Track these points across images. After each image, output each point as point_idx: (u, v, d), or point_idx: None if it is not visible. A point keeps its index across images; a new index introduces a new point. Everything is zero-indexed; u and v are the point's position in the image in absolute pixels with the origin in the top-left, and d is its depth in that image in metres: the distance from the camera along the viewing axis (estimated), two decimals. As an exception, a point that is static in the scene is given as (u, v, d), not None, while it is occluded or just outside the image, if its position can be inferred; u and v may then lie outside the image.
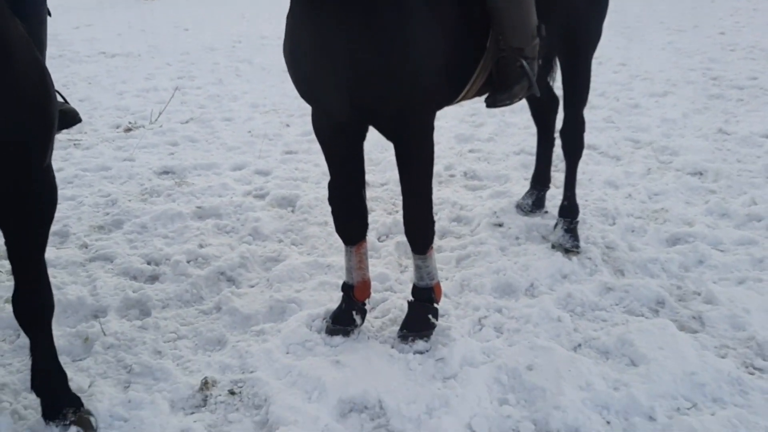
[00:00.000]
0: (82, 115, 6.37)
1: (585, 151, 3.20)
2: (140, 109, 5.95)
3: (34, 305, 1.86)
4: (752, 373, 2.18)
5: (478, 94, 2.51)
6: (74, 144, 5.01)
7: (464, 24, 2.22)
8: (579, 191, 3.56)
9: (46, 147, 1.70)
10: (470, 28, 2.25)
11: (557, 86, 3.20)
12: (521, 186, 3.80)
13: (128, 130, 5.40)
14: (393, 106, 2.10)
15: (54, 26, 12.15)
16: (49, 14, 2.23)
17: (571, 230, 3.09)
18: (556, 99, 3.38)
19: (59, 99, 2.26)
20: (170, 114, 5.79)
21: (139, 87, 6.94)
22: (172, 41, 10.15)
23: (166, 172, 4.32)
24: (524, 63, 2.34)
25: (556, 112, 3.41)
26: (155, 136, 5.14)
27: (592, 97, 5.68)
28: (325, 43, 2.01)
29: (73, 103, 6.68)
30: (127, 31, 11.53)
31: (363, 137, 2.40)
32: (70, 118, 2.23)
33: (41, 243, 1.85)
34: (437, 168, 4.15)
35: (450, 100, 2.43)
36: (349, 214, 2.44)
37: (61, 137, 5.20)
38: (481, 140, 4.76)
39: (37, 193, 1.78)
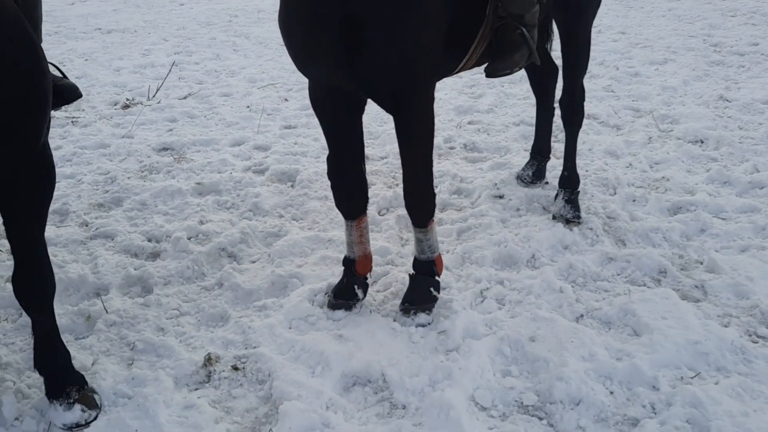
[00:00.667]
0: (85, 94, 6.31)
1: (585, 121, 3.17)
2: (138, 86, 5.89)
3: (35, 286, 1.85)
4: (756, 342, 2.18)
5: (477, 64, 2.47)
6: (72, 121, 4.97)
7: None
8: (579, 161, 3.54)
9: (40, 125, 1.67)
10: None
11: (556, 55, 3.16)
12: (521, 157, 3.77)
13: (126, 106, 5.35)
14: (392, 77, 2.06)
15: (49, 2, 11.96)
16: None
17: (572, 201, 3.08)
18: (555, 68, 3.33)
19: (58, 74, 2.21)
20: (168, 90, 5.74)
21: (136, 63, 6.86)
22: (167, 16, 10.01)
23: (165, 149, 4.29)
24: (524, 30, 2.29)
25: (555, 81, 3.37)
26: (153, 113, 5.10)
27: (592, 66, 5.61)
28: (319, 10, 1.96)
29: (71, 81, 6.62)
30: (123, 6, 11.35)
31: (362, 110, 2.37)
32: (69, 94, 2.19)
33: (40, 223, 1.83)
34: (437, 140, 4.11)
35: (450, 70, 2.39)
36: (349, 189, 2.42)
37: (58, 114, 5.16)
38: (480, 112, 4.71)
39: (34, 173, 1.75)
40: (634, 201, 3.26)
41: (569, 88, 3.01)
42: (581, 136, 4.02)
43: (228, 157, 4.03)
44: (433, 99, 2.24)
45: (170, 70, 6.13)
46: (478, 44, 2.33)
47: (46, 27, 10.06)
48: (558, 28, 2.95)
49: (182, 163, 3.98)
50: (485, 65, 2.41)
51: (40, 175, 1.77)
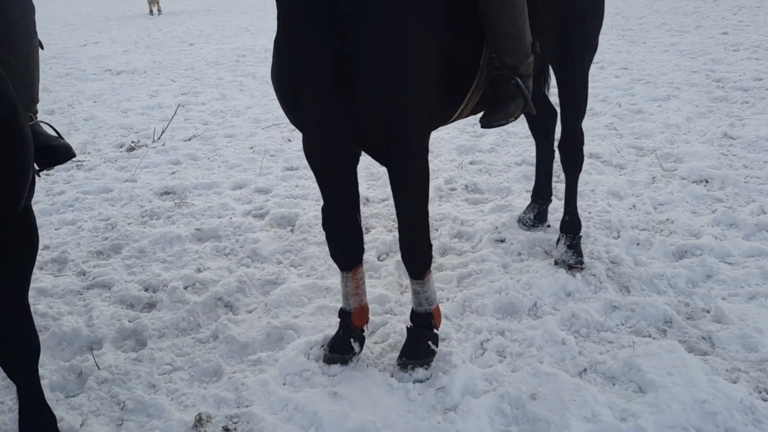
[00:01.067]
0: (86, 135, 6.36)
1: (587, 160, 3.15)
2: (144, 128, 5.95)
3: (16, 351, 1.80)
4: (766, 400, 2.09)
5: (473, 112, 2.46)
6: (77, 165, 5.00)
7: (457, 42, 2.16)
8: (581, 202, 3.50)
9: (19, 191, 1.63)
10: (463, 46, 2.20)
11: (553, 92, 3.13)
12: (523, 199, 3.74)
13: (131, 149, 5.39)
14: (385, 127, 2.04)
15: (62, 44, 12.23)
16: (41, 47, 2.18)
17: (574, 246, 3.02)
18: (553, 110, 3.31)
19: (53, 133, 2.20)
20: (173, 131, 5.79)
21: (143, 104, 6.95)
22: (176, 56, 10.18)
23: (166, 193, 4.29)
24: (519, 81, 2.28)
25: (554, 124, 3.35)
26: (158, 155, 5.13)
27: (594, 103, 5.62)
28: (311, 64, 1.96)
29: (78, 123, 6.70)
30: (133, 47, 11.57)
31: (356, 160, 2.35)
32: (62, 155, 2.16)
33: (22, 288, 1.78)
34: (438, 182, 4.10)
35: (444, 120, 2.38)
36: (344, 240, 2.39)
37: (62, 159, 5.20)
38: (482, 151, 4.70)
39: (14, 240, 1.69)
40: (638, 245, 3.20)
41: (567, 132, 2.98)
42: (583, 177, 3.98)
43: (229, 201, 4.02)
44: (427, 150, 2.21)
45: (175, 112, 6.18)
46: (473, 94, 2.32)
47: (57, 69, 10.17)
48: (554, 73, 2.93)
49: (183, 208, 3.97)
50: (481, 114, 2.39)
51: (21, 241, 1.72)
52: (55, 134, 2.22)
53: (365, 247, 3.31)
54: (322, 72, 1.95)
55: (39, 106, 7.53)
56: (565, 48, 2.71)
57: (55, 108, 7.02)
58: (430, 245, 2.36)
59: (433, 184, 4.10)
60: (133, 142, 5.55)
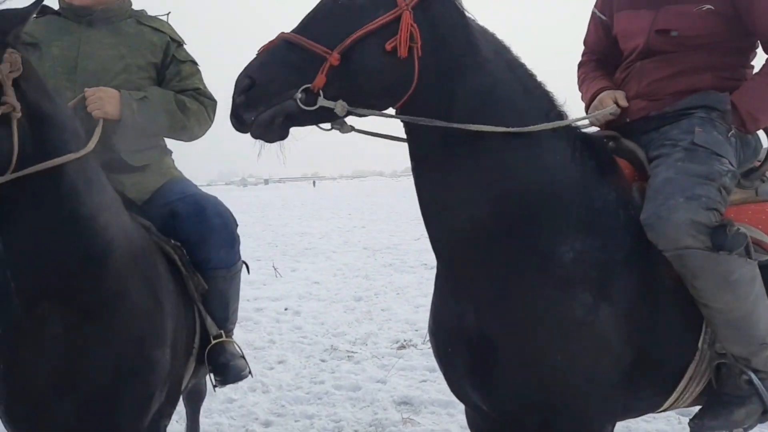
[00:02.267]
0: (375, 325, 6.75)
1: None
2: (424, 326, 6.15)
3: None
4: None
5: (698, 402, 1.85)
6: (348, 356, 5.36)
7: (656, 316, 1.70)
8: None
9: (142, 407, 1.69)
10: (667, 320, 1.71)
11: None
12: None
13: (402, 347, 5.59)
14: (537, 414, 1.65)
15: (400, 236, 13.91)
16: (248, 271, 2.43)
17: None
18: None
19: (237, 351, 2.30)
20: (447, 334, 5.85)
21: (436, 301, 7.27)
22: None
23: (404, 403, 4.23)
24: (753, 377, 1.65)
25: None
26: (420, 357, 5.19)
27: None
28: (454, 327, 1.75)
29: (375, 312, 7.21)
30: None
31: (526, 436, 1.94)
32: (233, 376, 2.23)
33: None
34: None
35: (646, 409, 1.84)
36: None
37: (341, 346, 5.66)
38: None
39: None
40: None
41: None
42: None
43: (454, 427, 3.75)
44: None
45: (450, 317, 6.28)
46: (689, 382, 1.76)
47: (384, 259, 11.17)
48: None
49: (407, 426, 3.83)
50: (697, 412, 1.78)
51: None
52: (239, 353, 2.32)
53: None
54: (463, 335, 1.72)
55: (338, 294, 8.17)
56: None
57: (363, 295, 7.84)
58: None
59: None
60: (405, 340, 5.75)
